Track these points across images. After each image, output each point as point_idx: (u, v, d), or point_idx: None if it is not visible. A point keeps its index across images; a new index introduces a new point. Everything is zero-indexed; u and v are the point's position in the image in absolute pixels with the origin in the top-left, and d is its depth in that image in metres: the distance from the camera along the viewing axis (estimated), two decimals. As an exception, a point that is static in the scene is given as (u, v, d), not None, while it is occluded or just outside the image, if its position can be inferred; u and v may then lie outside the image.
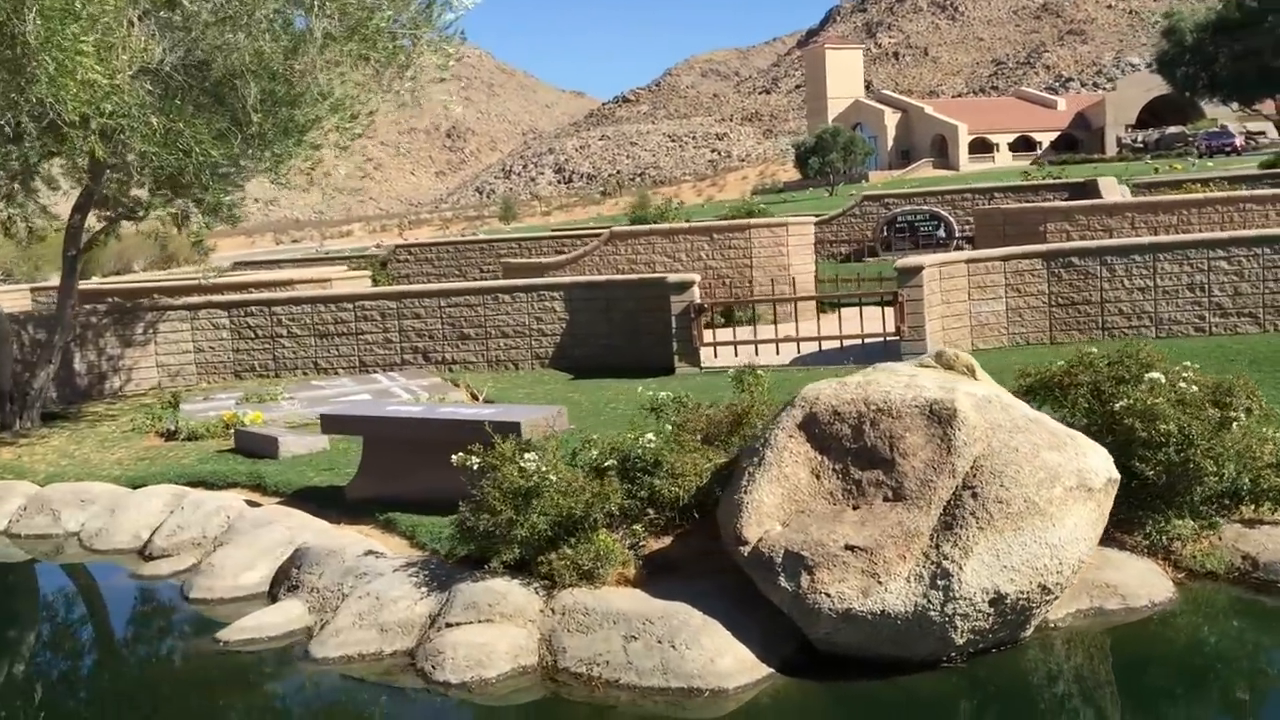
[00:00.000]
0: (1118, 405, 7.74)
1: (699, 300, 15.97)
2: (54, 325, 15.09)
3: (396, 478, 9.88)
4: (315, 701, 7.02)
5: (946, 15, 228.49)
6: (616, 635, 6.95)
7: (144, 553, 10.13)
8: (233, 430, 13.21)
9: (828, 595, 6.52)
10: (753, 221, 20.96)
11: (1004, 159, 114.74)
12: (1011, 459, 6.62)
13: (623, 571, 7.48)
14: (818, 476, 7.05)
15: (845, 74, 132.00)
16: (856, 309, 18.88)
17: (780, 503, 7.01)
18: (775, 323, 17.45)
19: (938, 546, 6.45)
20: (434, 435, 9.53)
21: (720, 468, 7.89)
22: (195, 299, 18.50)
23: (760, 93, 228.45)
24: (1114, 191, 24.30)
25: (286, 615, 8.07)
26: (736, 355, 15.99)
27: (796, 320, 18.05)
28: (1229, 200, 20.35)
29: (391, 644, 7.45)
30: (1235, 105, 53.38)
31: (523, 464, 7.57)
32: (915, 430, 6.84)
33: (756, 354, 16.09)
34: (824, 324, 17.89)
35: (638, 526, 7.73)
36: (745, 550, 6.90)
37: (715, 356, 16.04)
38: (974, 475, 6.60)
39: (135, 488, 11.50)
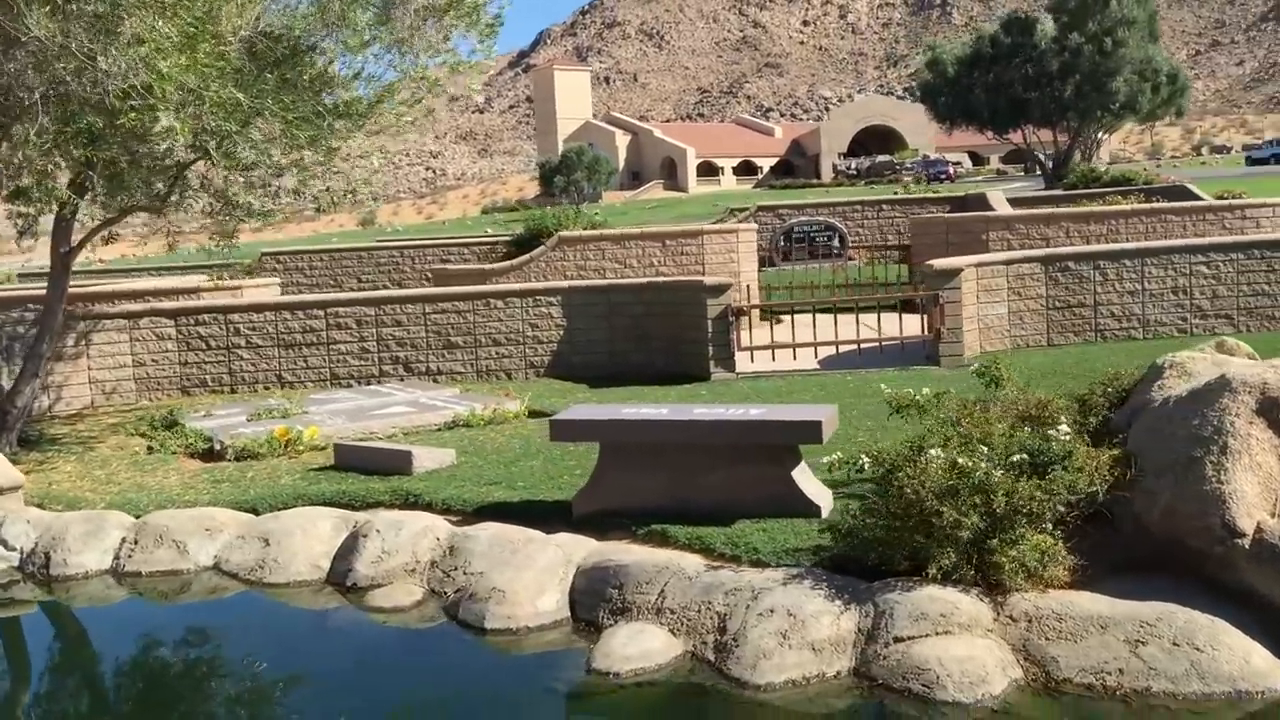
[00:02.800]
0: None
1: (735, 304, 15.46)
2: (33, 334, 12.95)
3: (636, 488, 8.94)
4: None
5: (654, 43, 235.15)
6: (1115, 640, 6.47)
7: (344, 584, 8.73)
8: (323, 447, 11.76)
9: (1360, 585, 6.32)
10: (706, 228, 20.68)
11: (729, 182, 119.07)
12: None
13: (1058, 572, 7.01)
14: (1288, 464, 6.84)
15: (574, 95, 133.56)
16: (809, 316, 18.86)
17: (1260, 492, 6.74)
18: (772, 325, 17.18)
19: None
20: (697, 439, 8.69)
21: (1116, 459, 7.55)
22: (137, 306, 16.40)
23: (474, 112, 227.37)
24: (1003, 205, 25.47)
25: (657, 640, 7.11)
26: (774, 360, 15.63)
27: (751, 329, 17.80)
28: (1152, 212, 21.68)
29: (830, 664, 6.69)
30: (990, 134, 57.21)
31: (959, 460, 6.98)
32: (1398, 413, 6.74)
33: (795, 358, 15.78)
34: (784, 332, 17.74)
35: (1047, 524, 7.26)
36: (1243, 543, 6.58)
37: (752, 361, 15.59)
38: None
39: (254, 513, 9.99)
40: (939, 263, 15.49)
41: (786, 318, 19.51)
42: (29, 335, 15.43)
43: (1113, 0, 49.59)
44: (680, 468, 8.83)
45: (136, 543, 9.56)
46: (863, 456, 7.47)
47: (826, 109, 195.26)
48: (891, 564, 7.15)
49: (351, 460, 11.05)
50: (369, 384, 16.34)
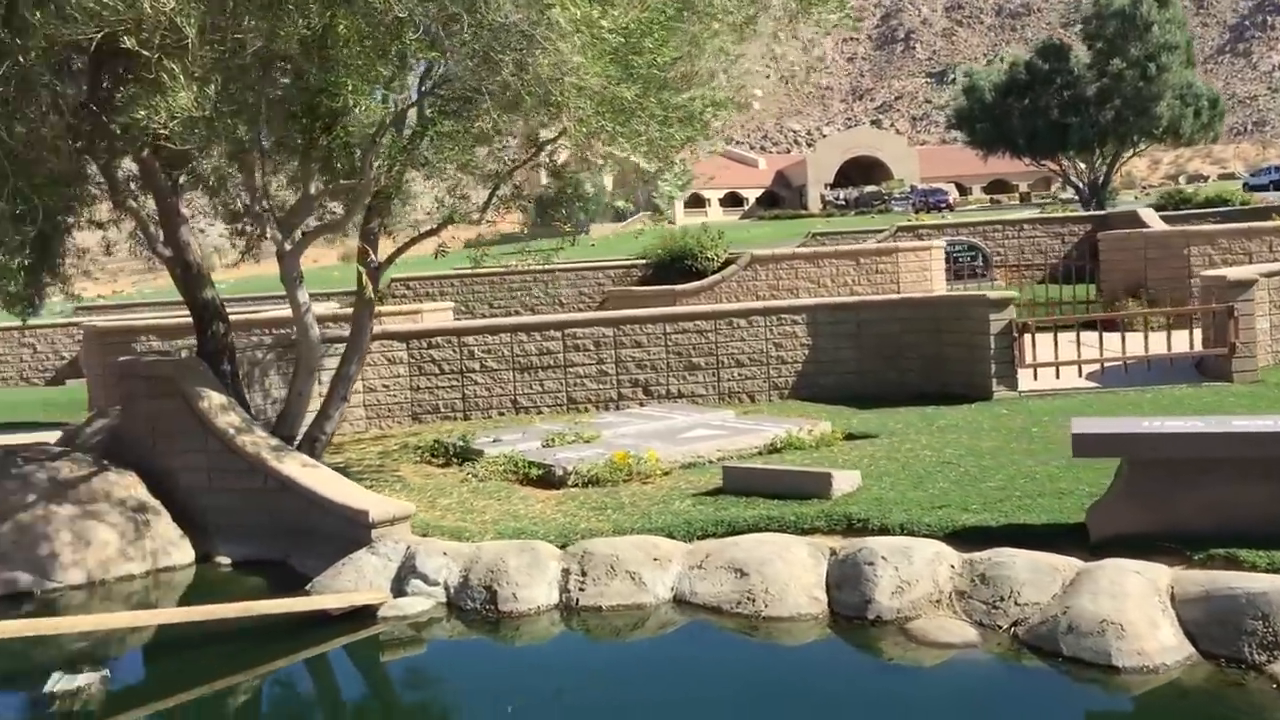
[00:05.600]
0: None
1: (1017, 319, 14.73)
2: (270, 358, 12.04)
3: (1165, 507, 8.16)
4: None
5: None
6: None
7: (861, 616, 7.87)
8: (667, 471, 10.88)
9: None
10: (900, 245, 20.06)
11: (715, 213, 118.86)
12: None
13: None
14: None
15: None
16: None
17: None
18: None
19: None
20: (1255, 453, 7.91)
21: None
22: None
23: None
24: (1156, 221, 25.04)
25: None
26: (1059, 377, 14.95)
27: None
28: (1346, 227, 21.45)
29: None
30: (1028, 160, 57.10)
31: None
32: None
33: (1080, 375, 15.10)
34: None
35: None
36: None
37: (1035, 379, 14.87)
38: None
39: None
40: (1232, 273, 14.91)
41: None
42: (266, 360, 14.51)
43: (1154, 26, 49.68)
44: (1221, 485, 8.06)
45: (585, 574, 8.64)
46: None
47: (796, 142, 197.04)
48: None
49: (746, 483, 10.16)
50: (608, 409, 15.45)
